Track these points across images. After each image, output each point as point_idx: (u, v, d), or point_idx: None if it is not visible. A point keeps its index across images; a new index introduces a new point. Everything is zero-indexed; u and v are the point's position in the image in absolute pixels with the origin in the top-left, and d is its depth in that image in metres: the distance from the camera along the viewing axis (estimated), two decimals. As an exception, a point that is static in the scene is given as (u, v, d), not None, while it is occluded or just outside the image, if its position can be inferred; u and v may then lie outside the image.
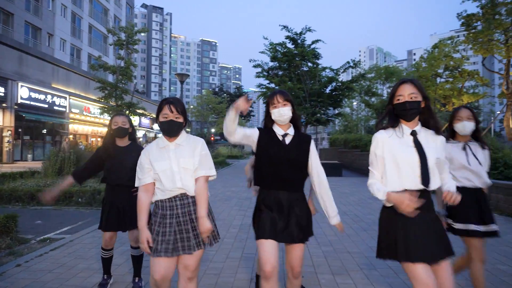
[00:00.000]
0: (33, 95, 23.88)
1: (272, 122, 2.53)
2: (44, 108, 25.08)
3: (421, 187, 2.07)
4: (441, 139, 2.20)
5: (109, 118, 14.33)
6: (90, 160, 3.46)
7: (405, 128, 2.18)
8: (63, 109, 27.33)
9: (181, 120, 2.42)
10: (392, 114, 2.21)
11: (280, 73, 22.08)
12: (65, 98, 27.47)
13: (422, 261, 1.99)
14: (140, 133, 35.16)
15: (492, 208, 2.91)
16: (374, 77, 32.96)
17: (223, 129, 2.46)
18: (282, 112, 2.43)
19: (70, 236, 5.33)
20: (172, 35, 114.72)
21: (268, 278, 2.31)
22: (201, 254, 2.42)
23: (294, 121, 2.54)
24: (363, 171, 16.71)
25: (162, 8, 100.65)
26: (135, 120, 14.62)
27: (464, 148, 2.84)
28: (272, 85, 21.06)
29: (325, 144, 54.01)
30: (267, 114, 2.54)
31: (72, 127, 29.08)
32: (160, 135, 2.60)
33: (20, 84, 22.50)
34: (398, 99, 2.16)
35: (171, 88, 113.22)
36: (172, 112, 2.39)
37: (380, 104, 31.00)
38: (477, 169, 2.77)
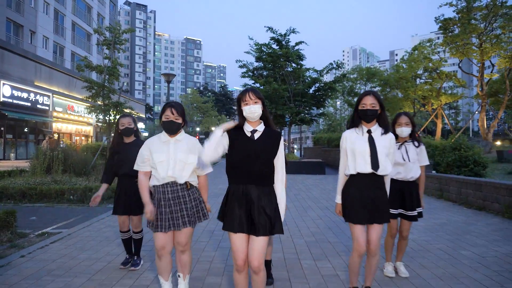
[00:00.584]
0: (16, 93, 23.61)
1: (244, 119, 2.60)
2: (27, 107, 24.81)
3: (371, 171, 2.80)
4: (390, 136, 2.90)
5: (95, 117, 14.45)
6: (108, 163, 3.96)
7: (364, 128, 2.91)
8: (46, 108, 27.07)
9: (180, 121, 2.91)
10: (357, 117, 2.93)
11: (265, 73, 22.50)
12: (48, 96, 27.20)
13: (359, 223, 2.83)
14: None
15: (419, 198, 3.64)
16: (357, 77, 33.79)
17: (203, 154, 2.57)
18: (253, 109, 2.52)
19: (67, 230, 5.60)
20: (156, 33, 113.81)
21: (240, 271, 2.51)
22: (190, 231, 2.95)
23: (265, 118, 2.62)
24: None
25: (145, 6, 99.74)
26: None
27: (399, 148, 3.54)
28: (258, 85, 21.46)
29: (309, 143, 54.70)
30: (240, 111, 2.60)
31: (56, 125, 28.82)
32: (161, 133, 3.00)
33: (2, 82, 22.24)
34: (363, 106, 2.85)
35: (155, 86, 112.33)
36: (173, 114, 2.87)
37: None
38: (407, 165, 3.51)
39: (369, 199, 2.82)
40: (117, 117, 13.93)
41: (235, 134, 2.59)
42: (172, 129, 2.88)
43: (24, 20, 29.44)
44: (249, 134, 2.56)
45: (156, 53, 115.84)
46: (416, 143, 3.61)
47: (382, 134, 2.88)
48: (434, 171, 9.87)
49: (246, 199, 2.50)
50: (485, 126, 24.31)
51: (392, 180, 3.38)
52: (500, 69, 25.34)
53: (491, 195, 7.12)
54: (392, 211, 3.47)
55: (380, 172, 2.80)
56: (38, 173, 10.65)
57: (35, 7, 30.86)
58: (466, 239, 5.08)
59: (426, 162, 3.69)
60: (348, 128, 3.05)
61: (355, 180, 2.88)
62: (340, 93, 31.54)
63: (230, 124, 2.62)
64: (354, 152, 2.86)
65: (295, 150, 32.64)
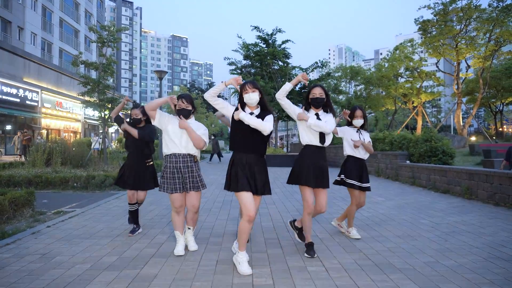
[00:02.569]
0: (5, 89, 23.79)
1: (244, 105, 3.36)
2: (16, 103, 24.98)
3: (319, 144, 3.71)
4: (330, 116, 3.76)
5: (86, 112, 14.93)
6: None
7: (312, 111, 3.80)
8: (35, 104, 27.23)
9: (190, 107, 3.74)
10: (308, 104, 3.80)
11: (253, 70, 23.27)
12: (37, 92, 27.37)
13: (308, 185, 3.66)
14: (112, 128, 35.33)
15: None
16: (341, 76, 34.88)
17: (207, 92, 3.45)
18: (252, 96, 3.27)
19: (79, 209, 6.28)
20: (142, 30, 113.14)
21: (251, 220, 3.19)
22: (199, 195, 3.78)
23: (262, 103, 3.37)
24: (331, 163, 18.22)
25: (131, 2, 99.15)
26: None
27: (357, 132, 4.49)
28: (245, 82, 22.23)
29: (295, 140, 55.78)
30: (241, 99, 3.35)
31: (45, 121, 28.98)
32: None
33: (-9, 78, 22.41)
34: (313, 95, 3.72)
35: (142, 83, 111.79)
36: (183, 103, 3.71)
37: (346, 102, 32.89)
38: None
39: (317, 167, 3.67)
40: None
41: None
42: (185, 114, 3.70)
43: (12, 16, 29.46)
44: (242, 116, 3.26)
45: (142, 50, 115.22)
46: (367, 131, 4.64)
47: (327, 115, 3.76)
48: (408, 161, 10.82)
49: (249, 165, 3.26)
50: (461, 122, 25.61)
51: (355, 158, 4.44)
52: (475, 69, 26.73)
53: (454, 179, 8.08)
54: (354, 182, 4.36)
55: (325, 145, 3.74)
56: (38, 164, 11.21)
57: (23, 3, 30.88)
58: (427, 213, 5.97)
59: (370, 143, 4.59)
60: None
61: (306, 150, 3.76)
62: (324, 91, 32.44)
63: (234, 81, 3.40)
64: (307, 129, 3.73)
65: (284, 147, 33.51)
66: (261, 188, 3.28)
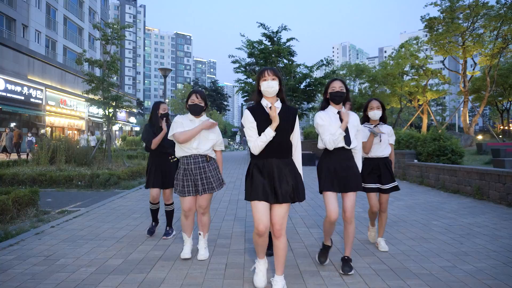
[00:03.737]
0: (9, 86, 23.82)
1: (261, 96, 2.80)
2: (21, 100, 25.02)
3: (343, 145, 3.23)
4: (355, 116, 3.38)
5: (88, 110, 14.85)
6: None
7: (333, 108, 3.34)
8: (40, 101, 27.28)
9: (202, 104, 3.58)
10: (327, 100, 3.39)
11: (257, 68, 23.10)
12: (41, 90, 27.40)
13: (332, 191, 3.22)
14: (116, 126, 35.35)
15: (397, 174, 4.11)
16: (346, 74, 34.63)
17: (254, 149, 2.71)
18: (271, 84, 2.68)
19: (84, 209, 6.19)
20: (146, 27, 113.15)
21: (261, 235, 2.69)
22: (209, 197, 3.59)
23: (280, 96, 2.81)
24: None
25: (135, 0, 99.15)
26: (120, 112, 15.21)
27: (374, 127, 3.90)
28: (250, 80, 22.07)
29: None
30: (257, 89, 2.79)
31: (49, 119, 29.02)
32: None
33: (-4, 75, 22.43)
34: (333, 89, 3.30)
35: (146, 81, 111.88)
36: (197, 98, 3.56)
37: (351, 99, 32.55)
38: (381, 144, 3.92)
39: (342, 170, 3.22)
40: (116, 110, 14.45)
41: (257, 113, 2.74)
42: (196, 110, 3.54)
43: (16, 14, 29.47)
44: (267, 110, 2.68)
45: (146, 48, 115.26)
46: (386, 124, 4.05)
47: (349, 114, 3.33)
48: (416, 160, 10.66)
49: (268, 171, 2.67)
50: (468, 121, 25.36)
51: (368, 158, 3.92)
52: (482, 67, 26.42)
53: (464, 179, 7.92)
54: (371, 185, 3.86)
55: (351, 146, 3.26)
56: (42, 163, 11.15)
57: (27, 1, 30.87)
58: (438, 214, 5.83)
59: (393, 140, 4.11)
60: (319, 110, 3.45)
61: (329, 154, 3.29)
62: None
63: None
64: (330, 130, 3.23)
65: None
66: (284, 195, 2.67)
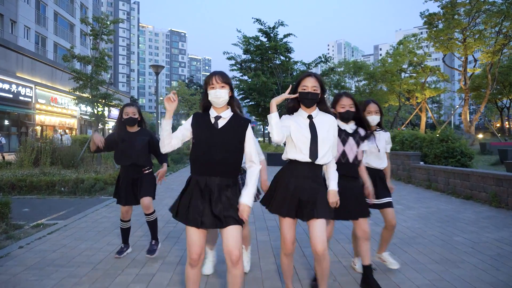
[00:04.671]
0: (-3, 84, 22.96)
1: (209, 105, 2.44)
2: (9, 98, 24.14)
3: (309, 160, 2.53)
4: (329, 117, 2.64)
5: (81, 108, 14.19)
6: (107, 139, 3.74)
7: (304, 113, 2.62)
8: (29, 99, 26.39)
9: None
10: (296, 100, 2.65)
11: (253, 65, 22.47)
12: (31, 88, 26.52)
13: (284, 215, 2.59)
14: (109, 125, 34.54)
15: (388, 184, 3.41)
16: (343, 71, 34.05)
17: (161, 142, 2.43)
18: (219, 94, 2.33)
19: (63, 221, 5.53)
20: (140, 24, 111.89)
21: (194, 266, 2.31)
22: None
23: (231, 105, 2.44)
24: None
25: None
26: (109, 110, 14.51)
27: (369, 135, 3.23)
28: (246, 78, 21.43)
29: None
30: (205, 95, 2.41)
31: (39, 118, 28.16)
32: None
33: (-18, 73, 21.57)
34: (303, 89, 2.57)
35: (140, 79, 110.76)
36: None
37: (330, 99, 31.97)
38: (380, 154, 3.41)
39: (305, 190, 2.54)
40: (105, 109, 13.74)
41: (199, 120, 2.41)
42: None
43: (4, 9, 28.51)
44: (213, 121, 2.38)
45: (140, 45, 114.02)
46: (384, 130, 3.51)
47: (325, 117, 2.63)
48: (422, 162, 10.10)
49: (209, 191, 2.29)
50: (468, 119, 24.90)
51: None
52: (482, 64, 25.95)
53: (478, 184, 7.35)
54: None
55: (318, 162, 2.56)
56: (25, 165, 10.45)
57: (16, -5, 29.91)
58: (457, 226, 5.25)
59: (390, 148, 3.56)
60: (285, 113, 2.72)
61: (291, 167, 2.62)
62: (327, 86, 31.77)
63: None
64: (295, 138, 2.57)
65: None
66: (227, 217, 2.28)
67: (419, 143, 10.64)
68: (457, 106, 32.76)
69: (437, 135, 9.88)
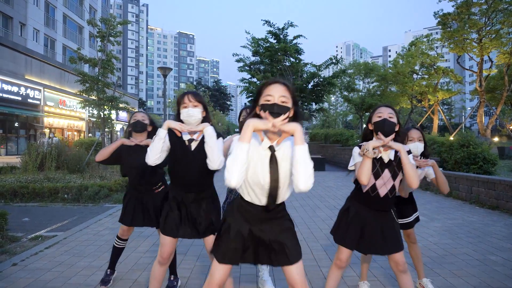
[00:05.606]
0: (6, 87, 22.94)
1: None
2: (18, 101, 24.14)
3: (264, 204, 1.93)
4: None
5: (89, 111, 13.93)
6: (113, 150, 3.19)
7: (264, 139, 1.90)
8: (38, 102, 26.39)
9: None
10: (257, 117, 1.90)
11: (262, 67, 22.10)
12: (40, 90, 26.51)
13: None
14: (117, 127, 34.42)
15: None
16: (354, 72, 33.49)
17: (147, 158, 2.41)
18: (191, 113, 2.38)
19: (62, 233, 5.20)
20: (148, 27, 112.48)
21: (163, 264, 2.56)
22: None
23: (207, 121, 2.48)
24: (345, 165, 17.01)
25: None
26: (117, 113, 14.24)
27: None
28: (255, 80, 21.07)
29: (305, 139, 54.62)
30: (178, 115, 2.47)
31: (47, 120, 28.16)
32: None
33: (-9, 75, 21.57)
34: (267, 100, 1.86)
35: (148, 81, 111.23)
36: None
37: (359, 100, 31.52)
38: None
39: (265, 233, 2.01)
40: (112, 112, 13.47)
41: (173, 139, 2.44)
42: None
43: (13, 11, 28.61)
44: (186, 143, 2.45)
45: (148, 47, 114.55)
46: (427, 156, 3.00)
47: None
48: (441, 169, 9.60)
49: (185, 205, 2.49)
50: (483, 121, 24.20)
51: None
52: (498, 65, 25.23)
53: (506, 194, 6.86)
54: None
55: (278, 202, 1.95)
56: (30, 170, 10.19)
57: (25, -2, 30.03)
58: (490, 242, 4.80)
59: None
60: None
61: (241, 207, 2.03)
62: (338, 89, 31.25)
63: (176, 123, 2.40)
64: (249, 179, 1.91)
65: None
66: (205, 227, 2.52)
67: (437, 148, 10.14)
68: (469, 108, 31.98)
69: (458, 140, 9.37)
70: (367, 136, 2.50)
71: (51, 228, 5.67)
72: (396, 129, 2.37)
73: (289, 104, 1.86)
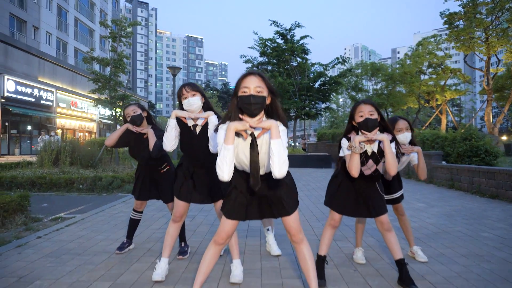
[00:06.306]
0: (20, 88, 23.61)
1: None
2: (31, 102, 24.81)
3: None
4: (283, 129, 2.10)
5: (100, 110, 14.40)
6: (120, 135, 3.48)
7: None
8: (50, 103, 27.08)
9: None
10: (237, 108, 2.12)
11: (270, 68, 22.42)
12: (52, 92, 27.20)
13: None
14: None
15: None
16: (361, 72, 33.63)
17: (165, 144, 2.84)
18: (191, 102, 2.76)
19: (80, 215, 5.55)
20: (157, 30, 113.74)
21: (176, 222, 2.99)
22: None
23: (208, 109, 2.87)
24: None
25: (147, 3, 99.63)
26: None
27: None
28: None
29: (312, 140, 54.92)
30: (181, 106, 2.83)
31: (60, 121, 28.83)
32: None
33: (6, 77, 22.23)
34: (244, 92, 2.07)
35: (157, 84, 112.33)
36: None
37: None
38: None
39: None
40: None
41: (181, 125, 2.84)
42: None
43: (27, 15, 29.41)
44: (191, 128, 2.82)
45: (157, 51, 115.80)
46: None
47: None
48: (444, 162, 9.79)
49: (197, 176, 2.92)
50: (491, 120, 24.17)
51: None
52: (506, 63, 25.19)
53: (505, 183, 7.05)
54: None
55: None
56: (45, 164, 10.63)
57: (38, 2, 30.82)
58: (484, 223, 5.02)
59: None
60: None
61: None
62: (345, 88, 31.41)
63: (182, 112, 2.78)
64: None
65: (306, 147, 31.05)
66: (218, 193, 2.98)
67: (441, 143, 10.33)
68: (479, 109, 31.84)
69: (461, 133, 9.55)
70: (350, 131, 2.76)
71: (69, 211, 6.04)
72: (378, 120, 2.64)
73: (265, 93, 2.07)
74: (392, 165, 2.57)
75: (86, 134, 32.79)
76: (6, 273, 3.07)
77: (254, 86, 2.05)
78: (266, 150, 2.12)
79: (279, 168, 1.98)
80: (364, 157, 2.69)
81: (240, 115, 2.09)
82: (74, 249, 3.78)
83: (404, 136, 3.13)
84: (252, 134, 2.07)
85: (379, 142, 2.67)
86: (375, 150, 2.69)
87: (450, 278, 2.97)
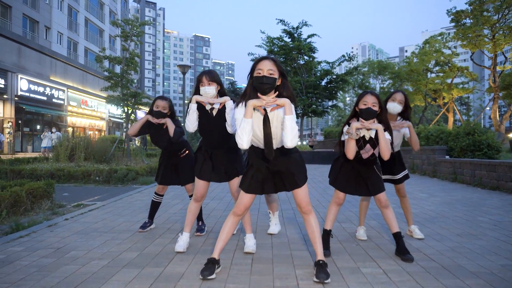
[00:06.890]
0: (32, 87, 24.21)
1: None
2: (43, 101, 25.41)
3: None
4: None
5: (111, 107, 14.81)
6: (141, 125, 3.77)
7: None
8: (61, 102, 27.66)
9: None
10: (252, 87, 2.49)
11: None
12: (63, 91, 27.79)
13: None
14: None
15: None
16: (368, 71, 33.77)
17: (187, 127, 3.15)
18: (207, 90, 3.01)
19: (100, 202, 5.93)
20: (165, 30, 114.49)
21: (197, 201, 3.30)
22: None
23: (223, 96, 3.12)
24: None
25: (155, 3, 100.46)
26: (136, 110, 15.05)
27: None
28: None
29: (319, 138, 55.20)
30: (196, 92, 3.09)
31: (70, 119, 29.42)
32: None
33: (19, 76, 22.82)
34: (258, 73, 2.44)
35: (165, 83, 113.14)
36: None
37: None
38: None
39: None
40: (136, 108, 14.30)
41: (200, 109, 3.10)
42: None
43: (39, 16, 30.05)
44: (209, 111, 3.07)
45: (165, 51, 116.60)
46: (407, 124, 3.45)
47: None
48: (447, 156, 10.03)
49: (215, 158, 3.18)
50: (497, 117, 24.21)
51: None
52: (513, 61, 25.21)
53: (505, 175, 7.29)
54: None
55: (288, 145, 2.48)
56: (62, 159, 11.07)
57: (50, 3, 31.46)
58: (482, 210, 5.30)
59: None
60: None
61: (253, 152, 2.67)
62: (351, 86, 31.60)
63: (202, 97, 3.04)
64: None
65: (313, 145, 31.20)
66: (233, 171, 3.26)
67: (445, 138, 10.56)
68: (487, 107, 31.78)
69: (463, 128, 9.79)
70: (352, 117, 3.11)
71: (89, 200, 6.43)
72: (378, 112, 2.95)
73: (276, 75, 2.44)
74: (385, 151, 2.92)
75: (96, 132, 33.38)
76: (43, 246, 3.44)
77: (267, 69, 2.42)
78: (277, 124, 2.49)
79: (291, 139, 2.41)
80: (362, 142, 3.02)
81: (258, 94, 2.45)
82: (100, 228, 4.14)
83: (393, 105, 3.39)
84: (265, 109, 2.45)
85: (376, 130, 3.00)
86: (373, 136, 3.01)
87: (443, 251, 3.28)
